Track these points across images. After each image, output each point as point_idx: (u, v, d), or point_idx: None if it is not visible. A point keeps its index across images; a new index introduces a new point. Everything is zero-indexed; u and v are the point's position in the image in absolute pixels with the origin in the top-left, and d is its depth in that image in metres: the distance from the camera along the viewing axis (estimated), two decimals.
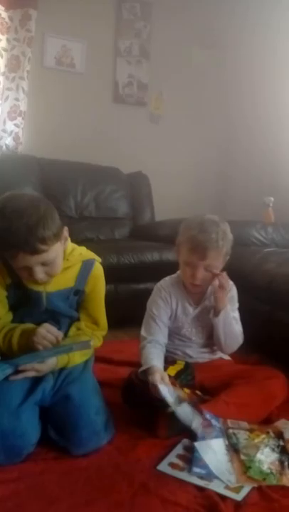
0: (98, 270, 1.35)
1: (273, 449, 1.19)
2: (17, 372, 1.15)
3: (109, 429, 1.22)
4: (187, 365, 1.42)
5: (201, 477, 1.08)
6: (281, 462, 1.15)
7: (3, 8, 2.72)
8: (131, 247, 2.44)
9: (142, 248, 2.39)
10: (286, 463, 1.14)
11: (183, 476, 1.10)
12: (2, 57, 2.77)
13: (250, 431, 1.26)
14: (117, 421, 1.27)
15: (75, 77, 3.08)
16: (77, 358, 1.28)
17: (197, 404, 1.28)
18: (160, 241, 2.52)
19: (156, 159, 3.29)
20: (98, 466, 1.12)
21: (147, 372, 1.29)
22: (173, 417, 1.21)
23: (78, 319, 1.36)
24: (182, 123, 3.41)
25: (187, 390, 1.33)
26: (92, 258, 1.34)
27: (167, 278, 1.57)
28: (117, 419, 1.27)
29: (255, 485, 1.07)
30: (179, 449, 1.20)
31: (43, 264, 1.14)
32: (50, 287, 1.25)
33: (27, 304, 1.27)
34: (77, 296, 1.33)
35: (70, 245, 1.29)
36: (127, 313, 2.07)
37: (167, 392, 1.21)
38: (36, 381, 1.20)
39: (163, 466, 1.13)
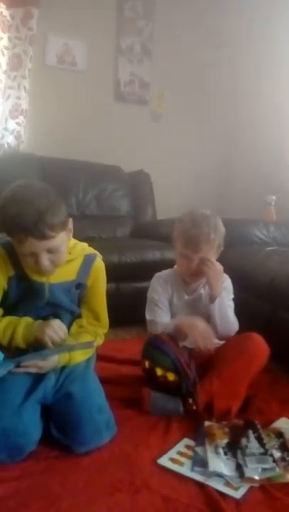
0: (99, 264, 1.37)
1: (275, 447, 1.19)
2: (18, 366, 1.16)
3: (111, 427, 1.22)
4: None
5: (200, 473, 1.10)
6: (284, 459, 1.15)
7: (4, 7, 2.72)
8: (132, 245, 2.44)
9: (143, 247, 2.39)
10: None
11: (183, 470, 1.11)
12: (4, 55, 2.76)
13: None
14: (118, 419, 1.27)
15: (77, 76, 3.08)
16: (79, 356, 1.29)
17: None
18: (162, 239, 2.51)
19: (158, 158, 3.28)
20: (100, 465, 1.12)
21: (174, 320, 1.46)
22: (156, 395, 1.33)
23: (79, 316, 1.37)
24: (184, 121, 3.40)
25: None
26: (94, 253, 1.37)
27: (165, 270, 1.65)
28: (118, 417, 1.27)
29: (257, 484, 1.07)
30: (180, 447, 1.21)
31: (49, 251, 1.17)
32: (53, 279, 1.27)
33: (29, 297, 1.28)
34: (79, 290, 1.34)
35: (73, 240, 1.32)
36: (128, 311, 2.07)
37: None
38: (38, 379, 1.21)
39: (163, 460, 1.14)
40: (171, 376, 1.35)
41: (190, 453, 1.18)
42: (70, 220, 1.24)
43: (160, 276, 1.63)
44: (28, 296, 1.28)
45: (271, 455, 1.14)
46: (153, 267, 2.31)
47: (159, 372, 1.34)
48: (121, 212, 2.97)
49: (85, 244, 1.37)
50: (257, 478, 1.08)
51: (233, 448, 1.18)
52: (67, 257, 1.27)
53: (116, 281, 2.22)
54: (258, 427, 1.25)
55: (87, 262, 1.34)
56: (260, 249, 2.35)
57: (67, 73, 3.04)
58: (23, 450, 1.11)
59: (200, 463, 1.13)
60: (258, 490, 1.06)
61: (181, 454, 1.18)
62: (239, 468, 1.11)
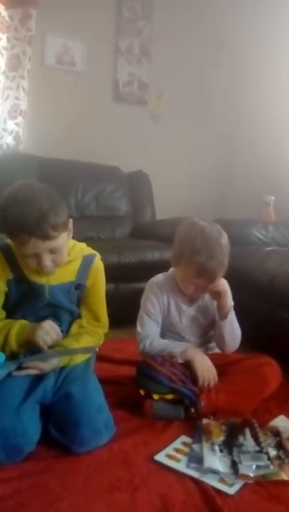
0: (98, 265, 1.37)
1: (271, 446, 1.20)
2: (20, 368, 1.16)
3: (110, 427, 1.23)
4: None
5: (196, 469, 1.11)
6: (279, 457, 1.16)
7: (3, 7, 2.72)
8: (132, 246, 2.45)
9: (142, 247, 2.40)
10: (284, 458, 1.15)
11: (179, 467, 1.12)
12: (2, 56, 2.76)
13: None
14: (117, 419, 1.27)
15: (76, 76, 3.08)
16: (79, 357, 1.30)
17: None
18: (161, 240, 2.51)
19: (157, 158, 3.28)
20: (99, 464, 1.12)
21: (185, 352, 1.42)
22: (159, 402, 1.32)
23: (79, 316, 1.37)
24: (183, 122, 3.41)
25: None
26: (93, 253, 1.37)
27: (160, 275, 1.59)
28: (117, 417, 1.28)
29: (252, 481, 1.08)
30: (177, 444, 1.23)
31: (52, 251, 1.17)
32: (53, 280, 1.27)
33: (29, 299, 1.28)
34: (78, 291, 1.34)
35: (71, 241, 1.32)
36: (127, 312, 2.06)
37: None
38: (37, 379, 1.21)
39: (160, 457, 1.16)
40: (169, 396, 1.34)
41: (186, 450, 1.20)
42: (71, 221, 1.25)
43: (155, 283, 1.55)
44: (28, 298, 1.29)
45: (266, 453, 1.15)
46: (152, 267, 2.31)
47: (156, 397, 1.34)
48: (120, 213, 2.97)
49: (83, 245, 1.37)
50: (251, 475, 1.09)
51: (229, 445, 1.19)
52: (67, 258, 1.26)
53: (115, 282, 2.22)
54: (255, 425, 1.25)
55: (86, 262, 1.34)
56: (259, 249, 2.36)
57: (65, 74, 3.05)
58: (22, 450, 1.11)
59: (196, 459, 1.15)
60: (253, 487, 1.07)
61: (177, 450, 1.20)
62: (234, 465, 1.12)
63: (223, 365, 1.48)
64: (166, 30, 3.26)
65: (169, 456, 1.16)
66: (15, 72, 2.78)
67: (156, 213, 3.10)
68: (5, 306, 1.29)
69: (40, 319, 1.27)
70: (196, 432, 1.27)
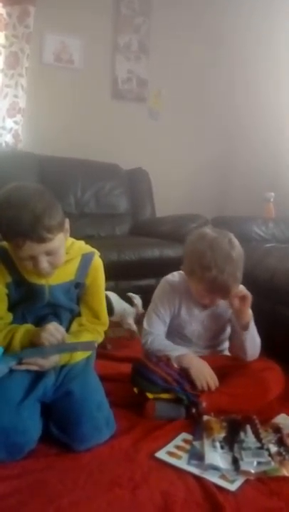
0: (98, 263, 1.36)
1: (272, 442, 1.20)
2: (20, 364, 1.16)
3: (110, 424, 1.23)
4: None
5: (196, 466, 1.11)
6: (280, 453, 1.16)
7: (1, 5, 2.71)
8: (131, 243, 2.44)
9: (142, 244, 2.40)
10: (285, 454, 1.15)
11: (179, 463, 1.12)
12: (1, 54, 2.76)
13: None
14: (118, 416, 1.27)
15: (74, 74, 3.07)
16: (79, 354, 1.29)
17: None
18: (161, 237, 2.52)
19: (156, 155, 3.28)
20: (100, 462, 1.12)
21: (180, 358, 1.39)
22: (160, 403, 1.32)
23: (79, 314, 1.37)
24: (182, 119, 3.40)
25: None
26: (91, 251, 1.36)
27: (176, 273, 1.53)
28: (118, 414, 1.28)
29: (253, 478, 1.08)
30: (178, 441, 1.23)
31: (48, 253, 1.16)
32: (52, 280, 1.26)
33: (29, 299, 1.28)
34: (78, 289, 1.34)
35: (69, 239, 1.30)
36: None
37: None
38: (38, 377, 1.21)
39: (161, 454, 1.16)
40: (164, 395, 1.33)
41: (187, 447, 1.20)
42: (67, 221, 1.23)
43: (169, 283, 1.51)
44: (27, 299, 1.28)
45: (267, 449, 1.15)
46: (152, 265, 2.33)
47: (150, 396, 1.33)
48: (120, 210, 2.96)
49: (82, 243, 1.36)
50: (252, 471, 1.09)
51: (230, 442, 1.19)
52: (65, 257, 1.25)
53: (115, 279, 2.21)
54: (256, 422, 1.25)
55: (85, 261, 1.33)
56: (260, 246, 2.35)
57: (64, 71, 3.04)
58: (23, 448, 1.11)
59: (196, 456, 1.15)
60: (254, 483, 1.07)
61: (178, 447, 1.20)
62: (235, 462, 1.12)
63: (226, 366, 1.47)
64: (164, 27, 3.25)
65: (170, 453, 1.16)
66: (13, 70, 2.77)
67: (155, 210, 3.10)
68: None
69: (39, 318, 1.26)
70: (197, 428, 1.27)
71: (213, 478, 1.07)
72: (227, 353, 1.63)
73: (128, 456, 1.15)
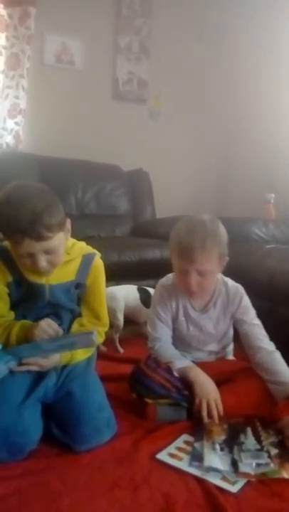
0: (98, 263, 1.36)
1: (272, 444, 1.20)
2: (20, 364, 1.16)
3: (111, 425, 1.23)
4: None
5: (197, 468, 1.11)
6: (280, 455, 1.16)
7: (2, 6, 2.72)
8: (132, 244, 2.45)
9: (143, 245, 2.40)
10: (285, 456, 1.15)
11: (181, 465, 1.12)
12: (1, 55, 2.76)
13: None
14: (119, 417, 1.27)
15: (75, 75, 3.07)
16: (80, 354, 1.29)
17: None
18: (161, 238, 2.51)
19: (157, 156, 3.28)
20: (100, 462, 1.13)
21: (186, 370, 1.35)
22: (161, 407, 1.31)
23: (80, 315, 1.37)
24: (182, 120, 3.40)
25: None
26: (92, 252, 1.36)
27: (170, 275, 1.51)
28: (119, 415, 1.28)
29: (254, 479, 1.08)
30: (179, 442, 1.23)
31: (46, 252, 1.16)
32: (53, 280, 1.27)
33: (30, 299, 1.28)
34: (78, 290, 1.34)
35: (71, 240, 1.31)
36: None
37: None
38: (39, 378, 1.21)
39: (162, 455, 1.16)
40: (163, 401, 1.33)
41: (188, 448, 1.20)
42: (68, 221, 1.23)
43: (164, 286, 1.48)
44: (28, 298, 1.29)
45: (267, 451, 1.15)
46: (152, 266, 2.33)
47: (149, 401, 1.33)
48: (120, 211, 2.97)
49: (83, 244, 1.37)
50: (251, 473, 1.09)
51: (230, 444, 1.19)
52: (66, 257, 1.26)
53: (116, 280, 2.21)
54: (257, 424, 1.25)
55: (86, 261, 1.33)
56: (260, 247, 2.36)
57: (65, 72, 3.04)
58: (24, 449, 1.11)
59: (198, 458, 1.15)
60: (255, 485, 1.07)
61: (179, 449, 1.20)
62: (234, 464, 1.12)
63: (232, 370, 1.46)
64: (165, 28, 3.26)
65: (171, 455, 1.16)
66: (14, 71, 2.77)
67: (156, 211, 3.10)
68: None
69: (40, 318, 1.26)
70: (198, 430, 1.27)
71: (215, 479, 1.07)
72: (231, 356, 1.62)
73: (129, 457, 1.15)
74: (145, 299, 1.95)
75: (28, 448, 1.12)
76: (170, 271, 1.59)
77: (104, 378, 1.34)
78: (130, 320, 2.01)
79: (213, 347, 1.53)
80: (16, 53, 2.76)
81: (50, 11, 2.87)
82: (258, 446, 1.17)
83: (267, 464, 1.11)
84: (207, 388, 1.32)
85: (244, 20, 3.25)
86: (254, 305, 1.96)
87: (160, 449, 1.18)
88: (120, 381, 1.48)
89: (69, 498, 1.00)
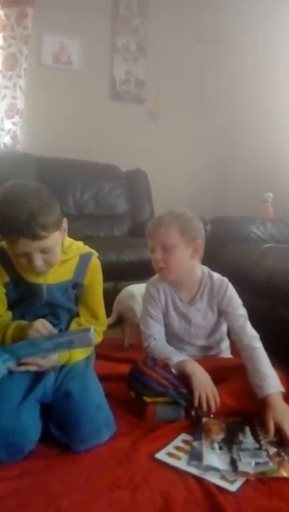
0: (96, 263, 1.36)
1: (271, 443, 1.20)
2: (19, 364, 1.16)
3: (110, 425, 1.23)
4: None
5: (196, 467, 1.11)
6: (279, 454, 1.16)
7: None
8: (130, 244, 2.45)
9: (141, 245, 2.38)
10: (284, 455, 1.15)
11: (179, 464, 1.12)
12: None
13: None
14: (117, 417, 1.27)
15: (72, 75, 3.07)
16: (79, 354, 1.29)
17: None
18: None
19: (155, 156, 3.28)
20: (99, 462, 1.12)
21: (183, 364, 1.37)
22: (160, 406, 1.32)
23: (78, 314, 1.37)
24: (180, 119, 3.40)
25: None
26: (90, 252, 1.36)
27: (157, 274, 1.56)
28: (117, 415, 1.28)
29: (253, 478, 1.08)
30: (177, 442, 1.23)
31: (43, 251, 1.16)
32: (50, 279, 1.27)
33: (28, 299, 1.28)
34: (76, 290, 1.34)
35: (68, 240, 1.31)
36: None
37: None
38: (37, 378, 1.21)
39: (161, 455, 1.16)
40: (161, 399, 1.33)
41: (187, 447, 1.20)
42: (65, 220, 1.23)
43: (152, 282, 1.54)
44: (26, 298, 1.29)
45: (266, 450, 1.16)
46: (151, 266, 2.32)
47: (147, 399, 1.33)
48: (118, 211, 2.97)
49: (80, 243, 1.37)
50: (250, 472, 1.09)
51: (229, 443, 1.19)
52: (63, 256, 1.26)
53: (114, 280, 2.22)
54: (255, 423, 1.25)
55: (83, 261, 1.33)
56: (258, 246, 2.36)
57: (62, 72, 3.04)
58: (23, 449, 1.11)
59: (196, 457, 1.15)
60: (254, 483, 1.07)
61: (178, 448, 1.20)
62: (233, 463, 1.12)
63: (227, 368, 1.47)
64: (162, 28, 3.26)
65: (170, 454, 1.16)
66: (11, 71, 2.77)
67: (154, 211, 3.10)
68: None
69: (38, 318, 1.26)
70: (196, 429, 1.27)
71: (214, 478, 1.07)
72: (228, 354, 1.62)
73: (128, 456, 1.15)
74: None
75: (27, 448, 1.12)
76: None
77: (102, 378, 1.34)
78: None
79: (206, 341, 1.56)
80: (14, 53, 2.76)
81: (48, 11, 2.87)
82: (257, 445, 1.17)
83: (266, 463, 1.11)
84: (204, 380, 1.34)
85: (242, 20, 3.25)
86: (253, 304, 1.96)
87: (159, 449, 1.18)
88: (119, 381, 1.48)
89: (68, 499, 1.00)
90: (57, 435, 1.18)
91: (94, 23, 3.07)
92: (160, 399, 1.33)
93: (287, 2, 3.09)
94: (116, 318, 1.94)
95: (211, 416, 1.32)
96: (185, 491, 1.04)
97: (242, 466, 1.10)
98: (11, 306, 1.29)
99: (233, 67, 3.40)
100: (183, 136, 3.42)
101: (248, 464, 1.11)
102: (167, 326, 1.54)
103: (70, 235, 1.31)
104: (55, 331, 1.23)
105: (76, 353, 1.28)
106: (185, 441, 1.23)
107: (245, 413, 1.32)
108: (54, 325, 1.27)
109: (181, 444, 1.21)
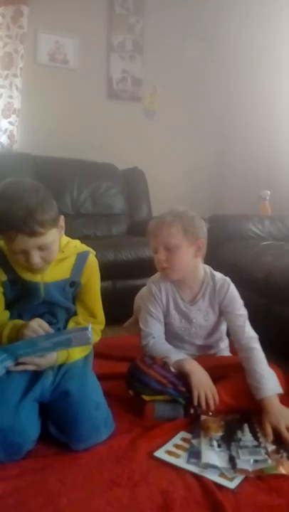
0: (93, 262, 1.36)
1: (270, 441, 1.20)
2: (17, 364, 1.15)
3: (108, 424, 1.23)
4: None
5: (195, 464, 1.11)
6: (277, 452, 1.16)
7: None
8: (128, 243, 2.44)
9: (139, 244, 2.39)
10: (282, 452, 1.16)
11: (179, 462, 1.12)
12: None
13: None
14: (116, 416, 1.27)
15: (69, 74, 3.06)
16: (77, 353, 1.29)
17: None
18: None
19: (152, 155, 3.28)
20: (98, 461, 1.12)
21: (182, 362, 1.37)
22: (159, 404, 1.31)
23: (75, 313, 1.37)
24: (177, 117, 3.40)
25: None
26: (87, 250, 1.36)
27: (159, 273, 1.54)
28: (116, 414, 1.28)
29: (252, 475, 1.08)
30: (176, 439, 1.23)
31: (40, 248, 1.16)
32: (47, 278, 1.27)
33: (25, 297, 1.28)
34: (73, 288, 1.34)
35: (65, 238, 1.31)
36: (125, 309, 2.07)
37: None
38: (35, 377, 1.21)
39: (160, 453, 1.16)
40: (159, 398, 1.33)
41: (186, 445, 1.20)
42: (62, 217, 1.24)
43: (153, 282, 1.53)
44: (23, 297, 1.29)
45: (265, 447, 1.16)
46: (149, 264, 2.31)
47: (146, 398, 1.33)
48: (116, 210, 2.96)
49: (77, 242, 1.37)
50: (249, 469, 1.09)
51: (228, 441, 1.20)
52: (60, 255, 1.26)
53: (112, 279, 2.22)
54: (254, 420, 1.25)
55: (81, 259, 1.33)
56: (256, 243, 2.36)
57: (59, 71, 3.03)
58: (21, 449, 1.11)
59: (195, 455, 1.15)
60: (253, 481, 1.07)
61: (177, 446, 1.20)
62: (232, 460, 1.12)
63: (227, 366, 1.46)
64: (158, 26, 3.25)
65: (169, 452, 1.17)
66: (7, 70, 2.76)
67: (152, 210, 3.10)
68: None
69: (36, 317, 1.26)
70: (195, 427, 1.27)
71: (213, 476, 1.07)
72: (227, 353, 1.62)
73: (127, 455, 1.15)
74: None
75: (25, 448, 1.12)
76: None
77: (101, 377, 1.34)
78: None
79: (205, 340, 1.55)
80: (10, 53, 2.75)
81: (43, 10, 2.87)
82: (255, 443, 1.17)
83: (264, 460, 1.12)
84: (203, 379, 1.34)
85: (238, 17, 3.25)
86: (251, 302, 1.96)
87: (158, 447, 1.18)
88: (117, 380, 1.48)
89: (67, 497, 0.99)
90: (55, 434, 1.18)
91: (90, 21, 3.07)
92: (159, 397, 1.33)
93: (283, 0, 3.09)
94: (135, 318, 1.93)
95: (210, 414, 1.32)
96: (184, 488, 1.04)
97: (241, 464, 1.10)
98: (9, 305, 1.29)
99: (230, 65, 3.40)
100: (180, 135, 3.42)
101: (246, 462, 1.11)
102: (167, 325, 1.53)
103: (67, 234, 1.31)
104: (51, 330, 1.23)
105: (74, 351, 1.27)
106: (184, 439, 1.23)
107: (244, 411, 1.32)
108: (52, 324, 1.27)
109: (180, 442, 1.21)
